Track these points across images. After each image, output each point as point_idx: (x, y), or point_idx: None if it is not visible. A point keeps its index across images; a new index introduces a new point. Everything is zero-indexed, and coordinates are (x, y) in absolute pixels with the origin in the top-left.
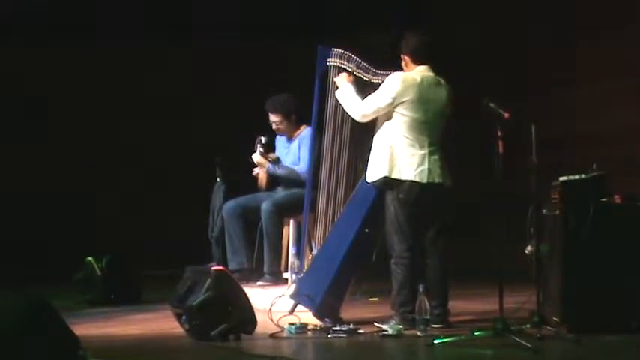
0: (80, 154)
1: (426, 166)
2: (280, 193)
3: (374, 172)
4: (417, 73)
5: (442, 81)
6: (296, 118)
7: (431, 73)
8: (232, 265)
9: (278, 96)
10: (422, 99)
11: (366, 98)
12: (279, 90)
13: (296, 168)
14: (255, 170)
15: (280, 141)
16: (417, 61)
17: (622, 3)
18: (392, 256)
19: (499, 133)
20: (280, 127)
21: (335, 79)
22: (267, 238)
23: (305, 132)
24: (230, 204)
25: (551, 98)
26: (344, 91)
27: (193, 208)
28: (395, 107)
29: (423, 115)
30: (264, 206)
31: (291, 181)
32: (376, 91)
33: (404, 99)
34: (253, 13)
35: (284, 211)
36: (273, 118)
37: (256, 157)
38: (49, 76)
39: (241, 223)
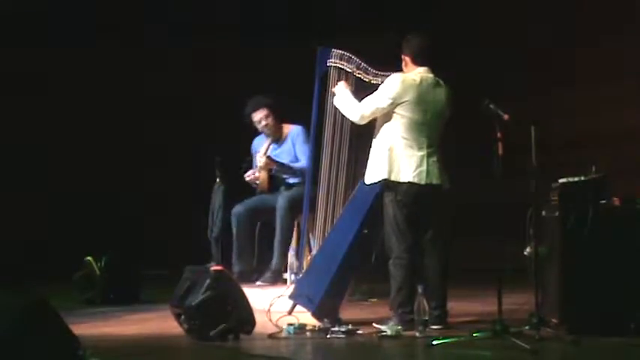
0: (80, 154)
1: (424, 167)
2: (292, 190)
3: (373, 174)
4: (416, 74)
5: (441, 82)
6: (279, 115)
7: (430, 75)
8: (236, 268)
9: (254, 97)
10: (421, 100)
11: (364, 99)
12: (279, 90)
13: (298, 165)
14: (249, 174)
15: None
16: (418, 63)
17: (622, 4)
18: (390, 257)
19: (499, 135)
20: (268, 121)
21: (333, 89)
22: (282, 234)
23: (295, 129)
24: (239, 208)
25: (552, 99)
26: (341, 96)
27: (193, 208)
28: (394, 108)
29: (421, 116)
30: (281, 203)
31: (297, 176)
32: (375, 92)
33: (403, 100)
34: (253, 13)
35: (299, 206)
36: (259, 114)
37: (262, 160)
38: (48, 76)
39: (250, 225)
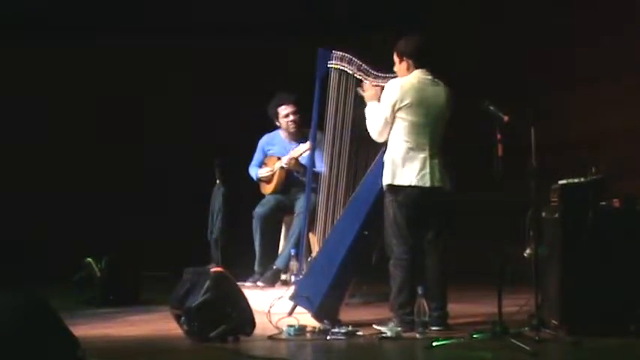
0: (79, 154)
1: (427, 170)
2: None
3: (383, 179)
4: (413, 76)
5: (440, 82)
6: (303, 116)
7: (428, 76)
8: (260, 269)
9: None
10: (421, 102)
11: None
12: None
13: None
14: (265, 172)
15: (282, 144)
16: (416, 64)
17: (622, 3)
18: (391, 258)
19: (498, 136)
20: (295, 117)
21: (362, 92)
22: (298, 238)
23: (319, 135)
24: (262, 210)
25: (552, 100)
26: (372, 109)
27: (193, 209)
28: (396, 113)
29: (422, 118)
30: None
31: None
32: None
33: (403, 104)
34: (254, 14)
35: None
36: (289, 108)
37: (291, 162)
38: (48, 76)
39: (273, 226)
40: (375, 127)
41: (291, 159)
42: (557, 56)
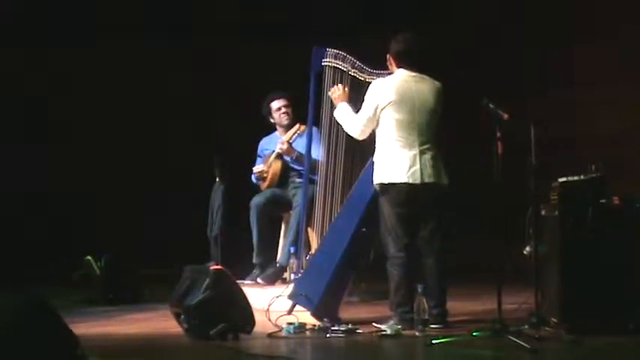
0: (80, 154)
1: (417, 166)
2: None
3: (374, 179)
4: (397, 74)
5: (427, 78)
6: (295, 110)
7: (413, 73)
8: (258, 260)
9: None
10: (404, 99)
11: (357, 114)
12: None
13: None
14: (259, 168)
15: (274, 142)
16: (400, 63)
17: (619, 5)
18: (387, 258)
19: (498, 134)
20: (288, 110)
21: (330, 92)
22: (297, 233)
23: (313, 129)
24: (259, 199)
25: (550, 100)
26: (340, 111)
27: (193, 207)
28: (381, 112)
29: (408, 115)
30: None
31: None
32: (363, 105)
33: (386, 102)
34: (252, 14)
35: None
36: (282, 102)
37: (284, 147)
38: (48, 77)
39: (271, 217)
40: (352, 127)
41: (283, 143)
42: (555, 57)
